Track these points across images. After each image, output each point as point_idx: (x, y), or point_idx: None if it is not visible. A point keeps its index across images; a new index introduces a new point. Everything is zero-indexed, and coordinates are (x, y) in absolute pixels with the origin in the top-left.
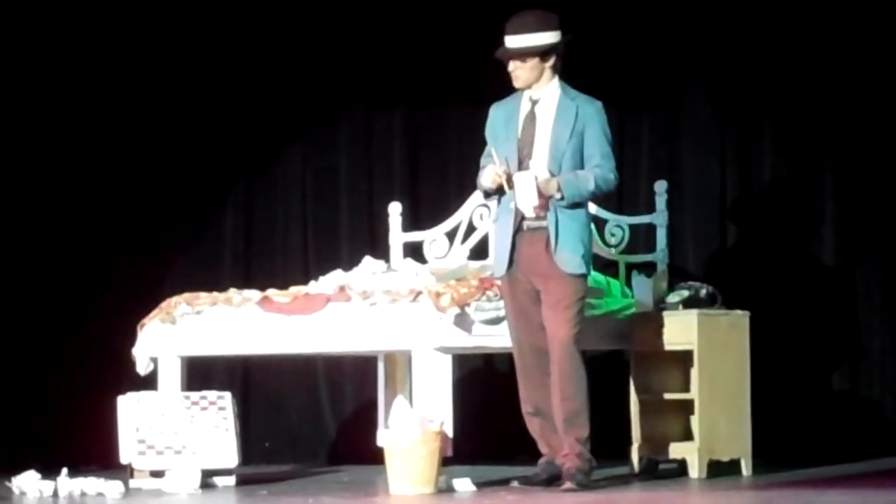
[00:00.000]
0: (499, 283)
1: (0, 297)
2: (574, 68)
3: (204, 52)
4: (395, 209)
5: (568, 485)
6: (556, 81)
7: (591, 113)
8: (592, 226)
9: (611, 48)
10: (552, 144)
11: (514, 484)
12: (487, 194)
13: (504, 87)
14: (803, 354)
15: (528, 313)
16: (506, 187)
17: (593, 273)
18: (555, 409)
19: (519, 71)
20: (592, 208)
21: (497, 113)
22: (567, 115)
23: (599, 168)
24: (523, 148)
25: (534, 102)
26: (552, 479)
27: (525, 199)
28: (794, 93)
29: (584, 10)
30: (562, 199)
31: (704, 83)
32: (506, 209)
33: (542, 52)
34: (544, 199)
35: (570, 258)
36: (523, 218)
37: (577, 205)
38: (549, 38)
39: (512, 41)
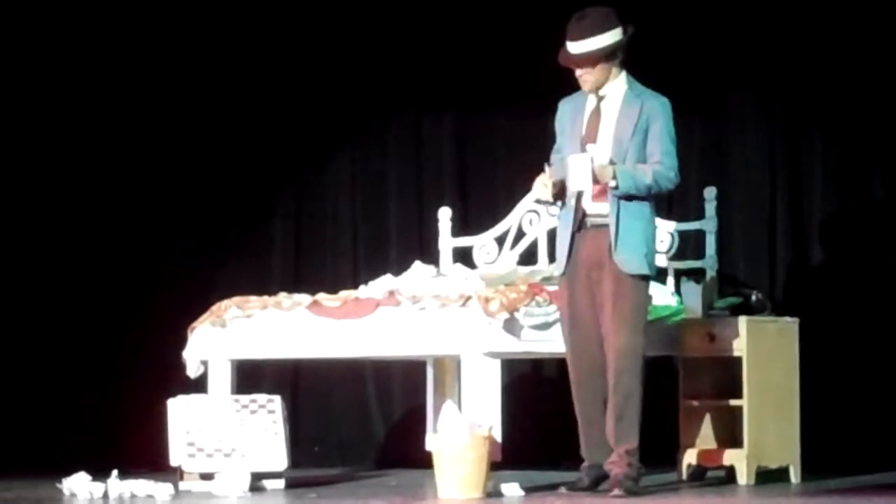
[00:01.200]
0: (551, 288)
1: (54, 301)
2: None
3: (257, 60)
4: (444, 214)
5: (616, 491)
6: (622, 76)
7: (657, 109)
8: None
9: (660, 54)
10: (615, 141)
11: (563, 490)
12: (540, 200)
13: (555, 91)
14: (852, 361)
15: (585, 322)
16: (550, 199)
17: None
18: (608, 416)
19: (587, 76)
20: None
21: (565, 108)
22: (631, 110)
23: (660, 165)
24: (587, 144)
25: (600, 98)
26: (597, 483)
27: (578, 180)
28: (843, 99)
29: (632, 18)
30: (616, 187)
31: (753, 89)
32: (569, 205)
33: (608, 54)
34: (600, 185)
35: (630, 258)
36: (585, 215)
37: (642, 202)
38: (612, 37)
39: (575, 47)
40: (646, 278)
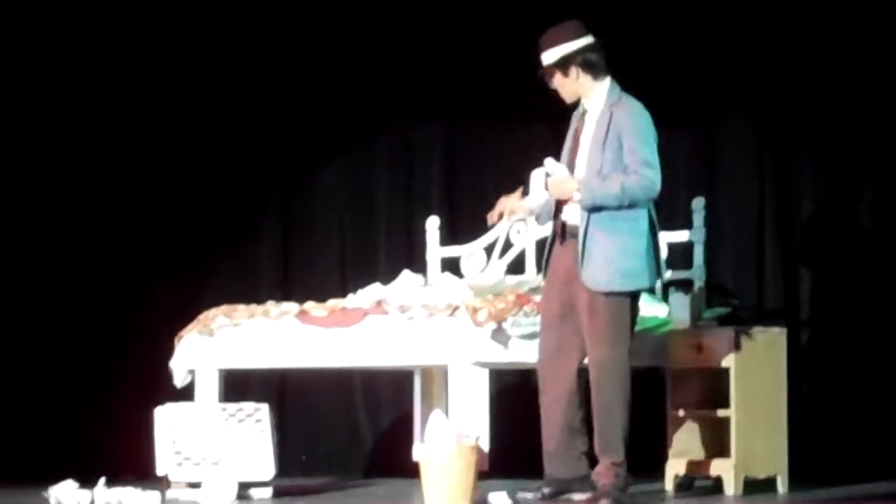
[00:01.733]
0: (539, 299)
1: (38, 308)
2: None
3: (242, 67)
4: (432, 223)
5: (604, 502)
6: (603, 87)
7: (626, 118)
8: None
9: (647, 63)
10: (589, 156)
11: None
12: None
13: (544, 100)
14: (841, 371)
15: (554, 331)
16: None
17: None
18: (595, 429)
19: (558, 88)
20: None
21: (571, 123)
22: (601, 125)
23: (634, 174)
24: (571, 161)
25: (584, 112)
26: (555, 495)
27: (534, 197)
28: (833, 108)
29: (620, 25)
30: (580, 201)
31: (742, 98)
32: (552, 215)
33: (557, 67)
34: (562, 201)
35: (598, 275)
36: (564, 225)
37: (621, 217)
38: (563, 50)
39: (542, 58)
40: (620, 294)
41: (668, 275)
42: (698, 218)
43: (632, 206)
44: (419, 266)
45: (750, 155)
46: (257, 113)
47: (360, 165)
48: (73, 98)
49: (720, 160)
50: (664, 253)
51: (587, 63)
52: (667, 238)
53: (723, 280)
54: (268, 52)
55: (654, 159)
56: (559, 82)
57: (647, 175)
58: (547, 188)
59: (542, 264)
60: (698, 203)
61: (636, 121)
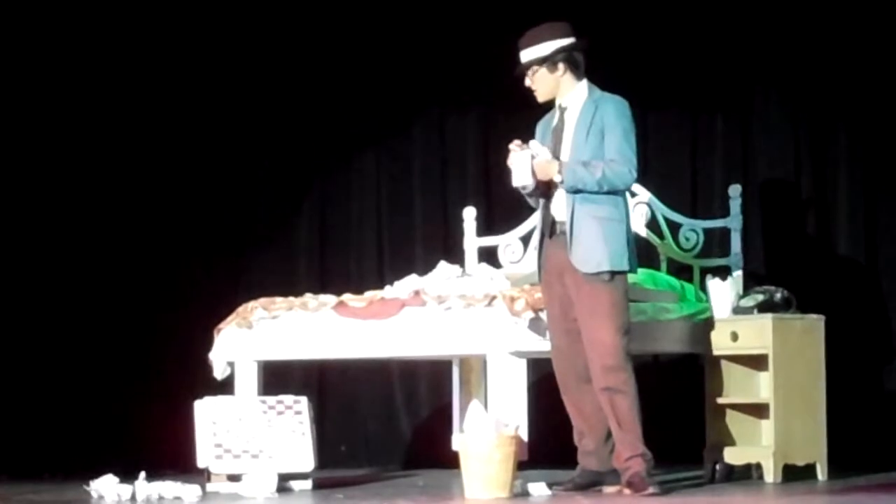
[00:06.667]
0: None
1: (81, 305)
2: (646, 72)
3: (282, 60)
4: (469, 214)
5: (627, 491)
6: (582, 86)
7: (610, 111)
8: (666, 229)
9: (683, 51)
10: (573, 147)
11: (554, 490)
12: (530, 195)
13: None
14: (879, 358)
15: (561, 328)
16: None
17: (667, 277)
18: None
19: (533, 85)
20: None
21: (539, 129)
22: (585, 117)
23: (613, 162)
24: (555, 156)
25: (562, 111)
26: (586, 487)
27: (520, 176)
28: (869, 94)
29: (656, 14)
30: (561, 182)
31: (777, 85)
32: (539, 217)
33: (544, 62)
34: (543, 182)
35: (587, 257)
36: (554, 222)
37: (603, 202)
38: (554, 45)
39: (522, 55)
40: (611, 275)
41: (705, 262)
42: (735, 205)
43: (609, 193)
44: (456, 256)
45: (786, 141)
46: (293, 105)
47: (396, 158)
48: (112, 93)
49: (756, 147)
50: (701, 239)
51: (573, 61)
52: (704, 225)
53: (760, 267)
54: (305, 42)
55: (634, 153)
56: (541, 78)
57: (627, 163)
58: (534, 170)
59: (537, 265)
60: (735, 190)
61: (620, 116)
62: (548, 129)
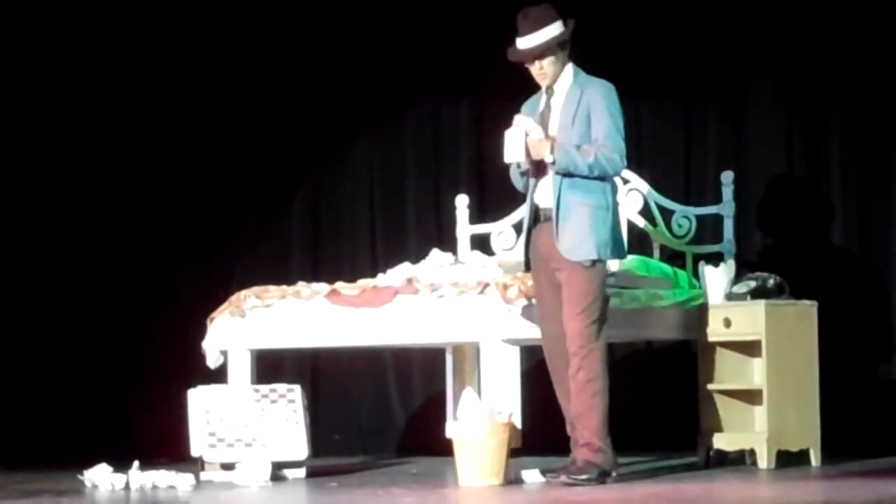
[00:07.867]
0: None
1: (74, 294)
2: (639, 60)
3: (274, 51)
4: (461, 201)
5: (563, 478)
6: (569, 69)
7: (597, 95)
8: (659, 216)
9: (677, 39)
10: (560, 130)
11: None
12: (523, 173)
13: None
14: (871, 344)
15: (549, 315)
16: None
17: (659, 264)
18: (571, 406)
19: (546, 69)
20: (662, 200)
21: (525, 110)
22: (572, 100)
23: (604, 147)
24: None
25: (550, 95)
26: None
27: (512, 152)
28: (861, 82)
29: (650, 1)
30: (553, 163)
31: (771, 73)
32: (525, 206)
33: (560, 43)
34: (535, 160)
35: (575, 245)
36: (538, 209)
37: (591, 189)
38: (557, 28)
39: (527, 42)
40: (595, 263)
41: (698, 249)
42: (728, 192)
43: (598, 178)
44: (448, 244)
45: (779, 128)
46: (286, 93)
47: (388, 146)
48: (103, 84)
49: (749, 134)
50: (694, 226)
51: (565, 45)
52: (696, 212)
53: (753, 254)
54: (297, 32)
55: (623, 139)
56: (549, 62)
57: (617, 149)
58: (527, 147)
59: (524, 256)
60: (727, 177)
61: (607, 100)
62: (534, 111)
